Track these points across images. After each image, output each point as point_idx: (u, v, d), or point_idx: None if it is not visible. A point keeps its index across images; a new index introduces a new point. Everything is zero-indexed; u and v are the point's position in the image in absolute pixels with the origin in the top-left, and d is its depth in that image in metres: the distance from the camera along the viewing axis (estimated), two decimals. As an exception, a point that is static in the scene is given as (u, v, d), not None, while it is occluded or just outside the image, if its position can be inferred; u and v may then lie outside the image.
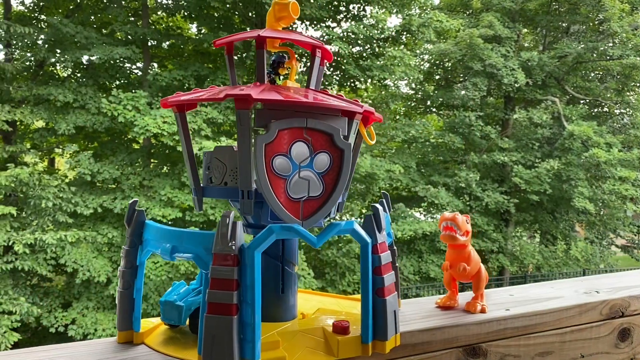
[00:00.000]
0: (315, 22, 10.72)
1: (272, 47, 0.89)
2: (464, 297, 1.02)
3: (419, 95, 13.57)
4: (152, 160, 10.19)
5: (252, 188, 0.76)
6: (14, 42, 9.32)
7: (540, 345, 0.98)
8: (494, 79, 11.81)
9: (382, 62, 10.21)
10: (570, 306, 1.02)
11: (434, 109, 13.72)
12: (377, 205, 0.79)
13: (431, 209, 12.36)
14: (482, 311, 0.96)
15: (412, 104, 13.86)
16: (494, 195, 11.50)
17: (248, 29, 11.15)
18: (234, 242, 0.70)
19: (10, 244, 7.85)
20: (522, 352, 0.96)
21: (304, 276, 9.42)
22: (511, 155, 11.76)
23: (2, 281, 8.05)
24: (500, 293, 1.10)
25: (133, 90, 9.33)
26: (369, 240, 0.76)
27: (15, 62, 9.45)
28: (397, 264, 0.96)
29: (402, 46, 11.34)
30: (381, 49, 10.59)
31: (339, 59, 10.63)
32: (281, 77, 0.87)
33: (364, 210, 12.28)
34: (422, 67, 13.21)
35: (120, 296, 0.80)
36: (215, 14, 10.61)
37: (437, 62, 13.13)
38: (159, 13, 11.44)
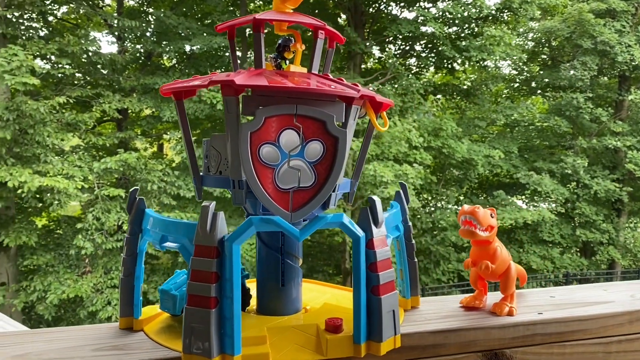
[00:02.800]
0: (409, 3, 10.45)
1: (280, 30, 0.85)
2: (496, 298, 0.93)
3: (523, 77, 12.85)
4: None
5: (243, 178, 0.74)
6: (124, 35, 9.96)
7: (578, 355, 0.88)
8: (606, 57, 10.90)
9: (480, 42, 9.76)
10: (619, 313, 0.90)
11: (539, 91, 12.94)
12: (375, 197, 0.73)
13: (535, 197, 11.73)
14: (510, 314, 0.87)
15: (515, 86, 13.16)
16: (604, 183, 10.68)
17: (342, 14, 11.13)
18: (214, 234, 0.68)
19: (120, 223, 8.46)
20: (556, 361, 0.87)
21: (395, 263, 9.31)
22: (625, 139, 10.83)
23: (113, 258, 8.71)
24: (540, 294, 1.00)
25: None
26: (360, 234, 0.71)
27: (125, 54, 10.10)
28: (415, 259, 0.89)
29: (503, 25, 10.78)
30: (480, 28, 10.13)
31: (434, 40, 10.32)
32: (287, 62, 0.84)
33: (461, 198, 11.89)
34: (525, 46, 12.49)
35: (121, 283, 0.81)
36: (310, 0, 10.67)
37: (543, 40, 12.34)
38: (256, 2, 11.70)
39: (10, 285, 8.74)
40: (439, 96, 12.38)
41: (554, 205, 11.46)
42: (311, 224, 0.69)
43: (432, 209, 11.28)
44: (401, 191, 0.89)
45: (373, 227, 0.73)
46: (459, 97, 12.43)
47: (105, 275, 8.49)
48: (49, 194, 7.90)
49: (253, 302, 0.86)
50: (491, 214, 0.86)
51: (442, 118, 10.23)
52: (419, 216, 10.62)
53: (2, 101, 8.02)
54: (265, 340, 0.72)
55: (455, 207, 10.88)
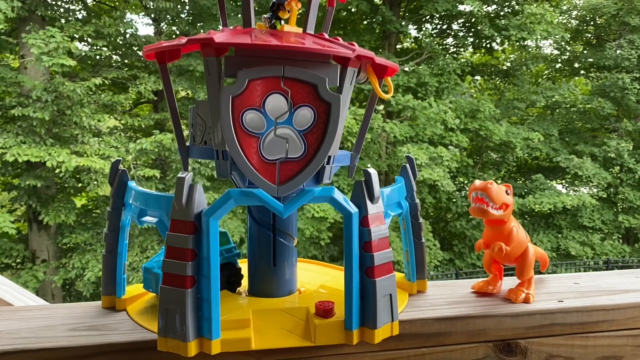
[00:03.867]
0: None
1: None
2: (513, 283, 0.85)
3: (565, 56, 12.38)
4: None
5: (227, 147, 0.67)
6: (160, 16, 10.01)
7: (603, 347, 0.79)
8: (655, 35, 10.39)
9: (520, 20, 9.42)
10: (651, 302, 0.81)
11: (582, 71, 12.46)
12: (370, 170, 0.66)
13: (575, 181, 11.35)
14: (526, 301, 0.79)
15: (557, 66, 12.70)
16: (649, 167, 10.25)
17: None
18: (190, 208, 0.62)
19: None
20: (577, 354, 0.78)
21: (429, 247, 9.19)
22: (674, 122, 10.35)
23: (149, 237, 8.86)
24: (562, 281, 0.91)
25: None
26: (352, 210, 0.64)
27: (161, 36, 10.16)
28: (423, 240, 0.82)
29: (545, 2, 10.38)
30: (520, 6, 9.78)
31: (472, 19, 10.03)
32: (282, 22, 0.77)
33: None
34: (569, 24, 12.01)
35: (104, 260, 0.77)
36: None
37: (587, 18, 11.84)
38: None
39: (50, 262, 9.00)
40: (476, 77, 12.06)
41: (595, 190, 11.07)
42: (296, 198, 0.63)
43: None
44: (407, 165, 0.81)
45: (368, 202, 0.66)
46: (497, 78, 12.08)
47: (141, 254, 8.63)
48: (86, 174, 8.06)
49: (245, 283, 0.80)
50: (506, 191, 0.78)
51: (479, 99, 9.97)
52: (454, 200, 10.43)
53: (41, 83, 8.18)
54: (248, 323, 0.66)
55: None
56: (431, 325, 0.74)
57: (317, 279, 0.86)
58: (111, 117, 9.40)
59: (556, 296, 0.82)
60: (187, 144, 0.76)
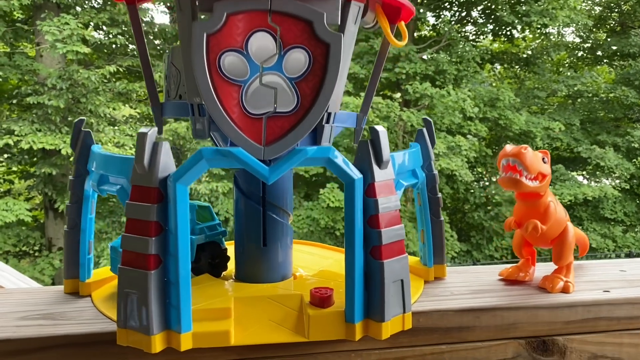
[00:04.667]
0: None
1: None
2: (548, 270, 0.72)
3: (588, 44, 12.04)
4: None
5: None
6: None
7: (657, 347, 0.66)
8: (683, 21, 10.04)
9: (541, 5, 9.15)
10: None
11: (605, 60, 12.11)
12: (378, 127, 0.54)
13: (597, 172, 11.07)
14: (565, 290, 0.66)
15: (579, 54, 12.36)
16: (675, 158, 9.95)
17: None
18: (154, 171, 0.50)
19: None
20: (626, 354, 0.65)
21: (446, 238, 9.01)
22: (702, 111, 10.01)
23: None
24: (606, 267, 0.78)
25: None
26: (355, 176, 0.52)
27: (176, 24, 10.07)
28: (441, 218, 0.70)
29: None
30: (542, -10, 9.51)
31: (492, 5, 9.79)
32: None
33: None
34: (592, 11, 11.68)
35: (65, 237, 0.65)
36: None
37: (612, 4, 11.49)
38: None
39: (65, 251, 9.00)
40: (496, 65, 11.79)
41: (617, 181, 10.79)
42: (285, 159, 0.51)
43: (487, 183, 10.84)
44: (424, 129, 0.69)
45: (375, 167, 0.53)
46: (517, 66, 11.80)
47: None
48: (100, 162, 8.02)
49: (233, 267, 0.69)
50: (543, 158, 0.65)
51: (499, 88, 9.73)
52: (472, 190, 10.24)
53: (56, 70, 8.14)
54: (228, 314, 0.54)
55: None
56: (451, 317, 0.61)
57: (317, 263, 0.74)
58: (126, 105, 9.36)
59: (600, 285, 0.69)
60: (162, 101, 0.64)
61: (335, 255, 0.78)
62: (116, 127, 8.82)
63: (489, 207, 10.25)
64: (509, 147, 0.64)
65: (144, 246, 0.50)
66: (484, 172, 10.95)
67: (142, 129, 0.51)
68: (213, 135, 0.59)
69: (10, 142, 7.52)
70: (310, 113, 0.54)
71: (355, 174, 0.52)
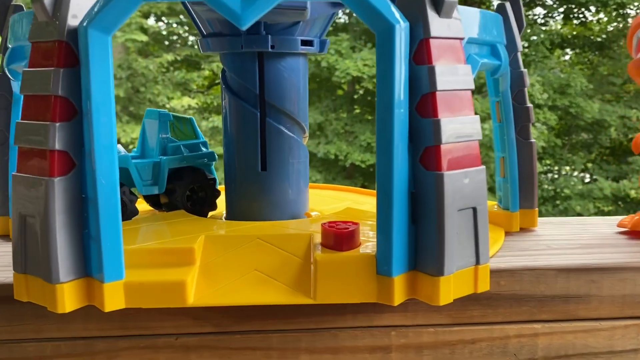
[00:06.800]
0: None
1: None
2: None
3: (670, 27, 11.16)
4: (354, 107, 10.14)
5: None
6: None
7: None
8: None
9: (620, -17, 8.50)
10: None
11: (690, 43, 11.19)
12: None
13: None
14: None
15: (660, 38, 11.48)
16: None
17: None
18: (59, 17, 0.30)
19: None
20: None
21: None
22: None
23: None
24: None
25: (337, 34, 9.26)
26: (396, 21, 0.30)
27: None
28: (532, 139, 0.47)
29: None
30: (620, -32, 8.84)
31: (564, -15, 9.21)
32: None
33: (589, 165, 10.68)
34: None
35: (-9, 157, 0.47)
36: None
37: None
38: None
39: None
40: (567, 50, 11.13)
41: (703, 174, 9.96)
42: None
43: (555, 175, 10.25)
44: (507, 3, 0.46)
45: (431, 13, 0.31)
46: (590, 51, 11.10)
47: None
48: (158, 151, 8.10)
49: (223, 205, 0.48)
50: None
51: (570, 74, 9.15)
52: (539, 183, 9.71)
53: (117, 60, 8.26)
54: (191, 257, 0.34)
55: (582, 174, 9.80)
56: (551, 281, 0.38)
57: (336, 203, 0.52)
58: (185, 95, 9.43)
59: None
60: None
61: (370, 199, 0.57)
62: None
63: (557, 202, 9.66)
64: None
65: (44, 136, 0.30)
66: (553, 164, 10.36)
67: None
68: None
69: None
70: None
71: (397, 17, 0.30)
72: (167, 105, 8.85)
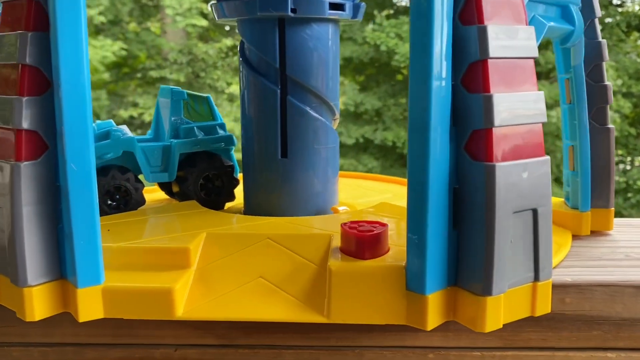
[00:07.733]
0: None
1: None
2: None
3: None
4: (414, 92, 9.92)
5: None
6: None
7: None
8: None
9: None
10: None
11: None
12: None
13: None
14: None
15: None
16: None
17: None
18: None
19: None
20: None
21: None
22: None
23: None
24: None
25: (397, 17, 9.06)
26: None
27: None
28: (610, 125, 0.39)
29: None
30: None
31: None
32: None
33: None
34: None
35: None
36: None
37: None
38: None
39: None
40: (644, 33, 10.46)
41: None
42: None
43: (628, 167, 9.72)
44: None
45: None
46: (670, 35, 10.39)
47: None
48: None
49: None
50: None
51: (646, 59, 8.60)
52: (609, 175, 9.21)
53: (177, 45, 8.42)
54: (186, 260, 0.29)
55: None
56: (631, 300, 0.31)
57: (374, 196, 0.46)
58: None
59: None
60: None
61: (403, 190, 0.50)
62: (234, 102, 8.99)
63: (629, 194, 9.13)
64: None
65: (9, 112, 0.26)
66: (625, 155, 9.82)
67: None
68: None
69: (135, 114, 7.92)
70: None
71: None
72: (227, 91, 8.98)
